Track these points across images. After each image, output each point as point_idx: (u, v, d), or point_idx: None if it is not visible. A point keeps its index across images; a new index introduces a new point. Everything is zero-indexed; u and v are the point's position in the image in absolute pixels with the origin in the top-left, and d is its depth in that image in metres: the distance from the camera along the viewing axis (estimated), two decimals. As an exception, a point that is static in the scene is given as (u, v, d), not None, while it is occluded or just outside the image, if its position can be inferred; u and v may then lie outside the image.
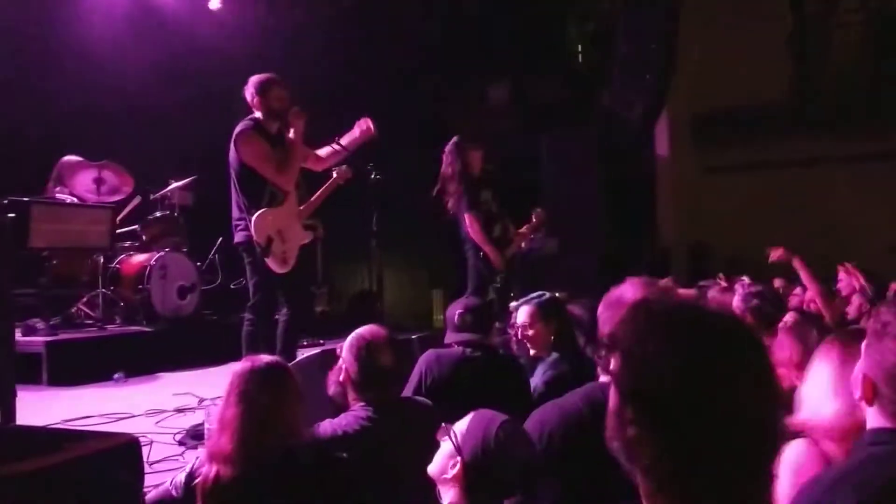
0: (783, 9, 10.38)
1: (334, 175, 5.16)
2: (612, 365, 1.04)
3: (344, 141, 5.00)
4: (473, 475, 1.91)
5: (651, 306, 1.08)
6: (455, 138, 6.08)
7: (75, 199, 6.61)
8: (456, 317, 3.58)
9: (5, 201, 4.68)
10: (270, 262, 4.48)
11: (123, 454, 2.36)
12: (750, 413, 0.98)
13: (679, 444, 0.98)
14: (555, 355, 3.72)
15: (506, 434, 1.95)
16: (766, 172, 10.24)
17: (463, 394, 3.11)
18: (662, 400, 0.98)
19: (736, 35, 10.10)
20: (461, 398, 2.80)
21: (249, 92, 4.68)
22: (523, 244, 6.51)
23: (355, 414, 2.64)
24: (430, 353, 3.53)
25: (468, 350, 3.50)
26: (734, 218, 10.08)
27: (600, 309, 2.38)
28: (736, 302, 4.02)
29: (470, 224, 6.00)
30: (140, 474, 2.46)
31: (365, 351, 2.69)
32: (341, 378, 2.74)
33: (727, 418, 0.97)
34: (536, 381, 3.63)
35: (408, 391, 3.28)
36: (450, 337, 3.63)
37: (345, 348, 2.76)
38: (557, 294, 4.90)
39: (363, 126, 4.95)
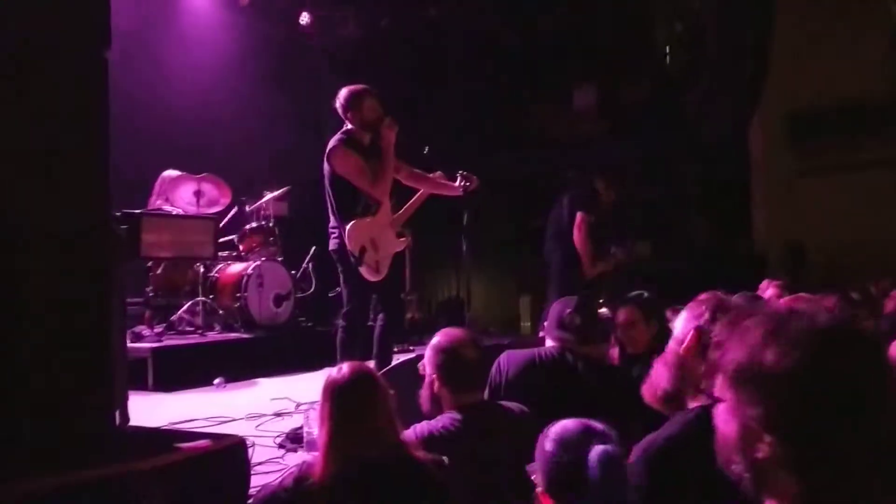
0: None
1: (456, 185, 5.03)
2: (737, 384, 1.01)
3: (441, 178, 5.06)
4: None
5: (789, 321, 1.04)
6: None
7: (180, 211, 6.87)
8: (565, 314, 3.38)
9: (118, 214, 4.92)
10: (364, 271, 4.50)
11: (232, 455, 2.45)
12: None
13: (827, 456, 0.95)
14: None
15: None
16: (866, 172, 9.79)
17: (538, 398, 2.98)
18: (806, 406, 0.96)
19: (832, 29, 9.71)
20: (536, 402, 2.78)
21: (340, 104, 4.68)
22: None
23: (448, 416, 2.66)
24: (506, 354, 3.38)
25: (549, 352, 3.34)
26: (832, 219, 9.67)
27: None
28: None
29: (580, 222, 5.94)
30: (247, 474, 2.55)
31: (445, 351, 2.70)
32: (429, 387, 2.74)
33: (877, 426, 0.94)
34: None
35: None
36: (549, 332, 3.46)
37: (427, 354, 2.77)
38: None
39: (467, 185, 4.96)
